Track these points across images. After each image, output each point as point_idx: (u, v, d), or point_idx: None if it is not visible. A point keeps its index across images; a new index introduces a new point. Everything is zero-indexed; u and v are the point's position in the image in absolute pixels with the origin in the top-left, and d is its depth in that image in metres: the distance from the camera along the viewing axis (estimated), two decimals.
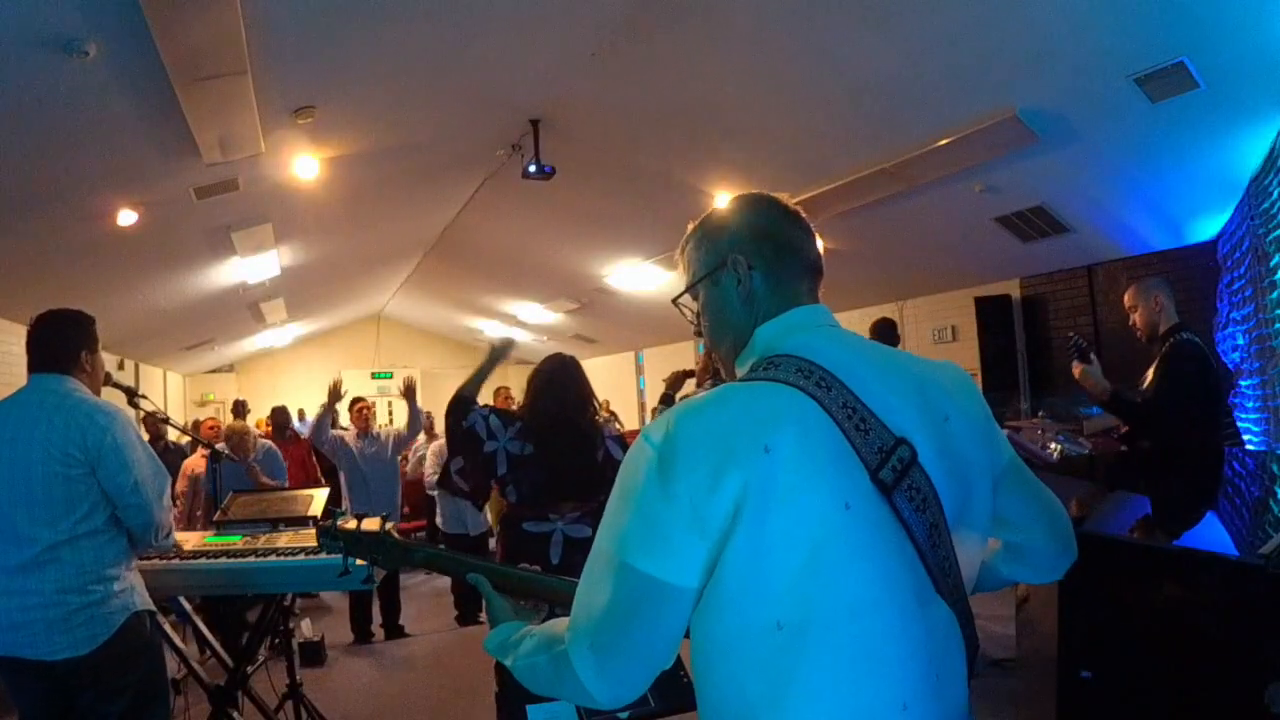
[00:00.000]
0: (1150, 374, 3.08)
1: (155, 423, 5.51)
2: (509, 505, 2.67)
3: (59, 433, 2.05)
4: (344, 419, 6.61)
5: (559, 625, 0.95)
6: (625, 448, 2.85)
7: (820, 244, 1.08)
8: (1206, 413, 2.95)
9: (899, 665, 0.85)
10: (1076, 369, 3.08)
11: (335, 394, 5.25)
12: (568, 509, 2.60)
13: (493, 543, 6.05)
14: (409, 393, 5.41)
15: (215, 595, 3.81)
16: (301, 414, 11.63)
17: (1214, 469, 2.75)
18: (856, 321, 7.57)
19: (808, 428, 0.86)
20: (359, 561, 1.43)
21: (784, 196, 1.07)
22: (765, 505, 0.82)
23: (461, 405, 2.68)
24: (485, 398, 2.87)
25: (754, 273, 1.01)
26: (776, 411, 0.87)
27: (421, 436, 8.62)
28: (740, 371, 1.01)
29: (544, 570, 2.56)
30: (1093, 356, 3.07)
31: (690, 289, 1.08)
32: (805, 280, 1.03)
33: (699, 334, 1.09)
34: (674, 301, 1.12)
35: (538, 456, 2.60)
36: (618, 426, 3.12)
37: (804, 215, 1.07)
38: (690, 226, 1.11)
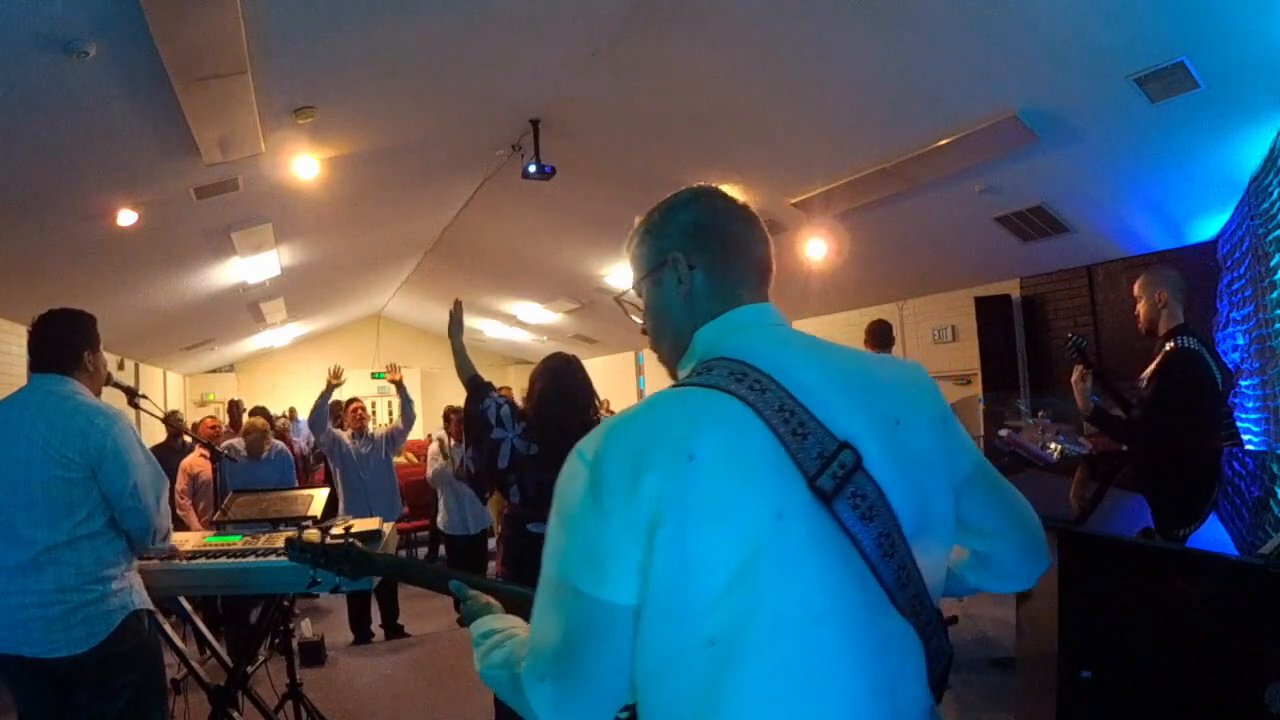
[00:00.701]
0: (1148, 374, 3.06)
1: (176, 421, 5.52)
2: (512, 506, 2.67)
3: (59, 435, 2.04)
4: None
5: (525, 641, 0.91)
6: None
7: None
8: (1199, 420, 2.92)
9: (842, 686, 0.80)
10: (1075, 373, 3.07)
11: (334, 381, 5.22)
12: None
13: (493, 543, 6.05)
14: (399, 384, 5.40)
15: (215, 595, 3.82)
16: (294, 413, 11.62)
17: (1211, 471, 2.75)
18: (856, 321, 7.56)
19: (736, 434, 0.82)
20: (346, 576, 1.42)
21: (734, 190, 1.03)
22: (686, 515, 0.78)
23: (479, 389, 2.73)
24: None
25: (695, 272, 0.97)
26: (702, 417, 0.83)
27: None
28: (682, 375, 0.96)
29: None
30: (1092, 363, 3.07)
31: (634, 286, 1.05)
32: (750, 279, 0.98)
33: (645, 333, 1.06)
34: (617, 300, 1.09)
35: (543, 457, 2.60)
36: None
37: (752, 209, 1.02)
38: (636, 220, 1.06)
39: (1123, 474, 3.09)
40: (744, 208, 1.02)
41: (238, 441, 5.28)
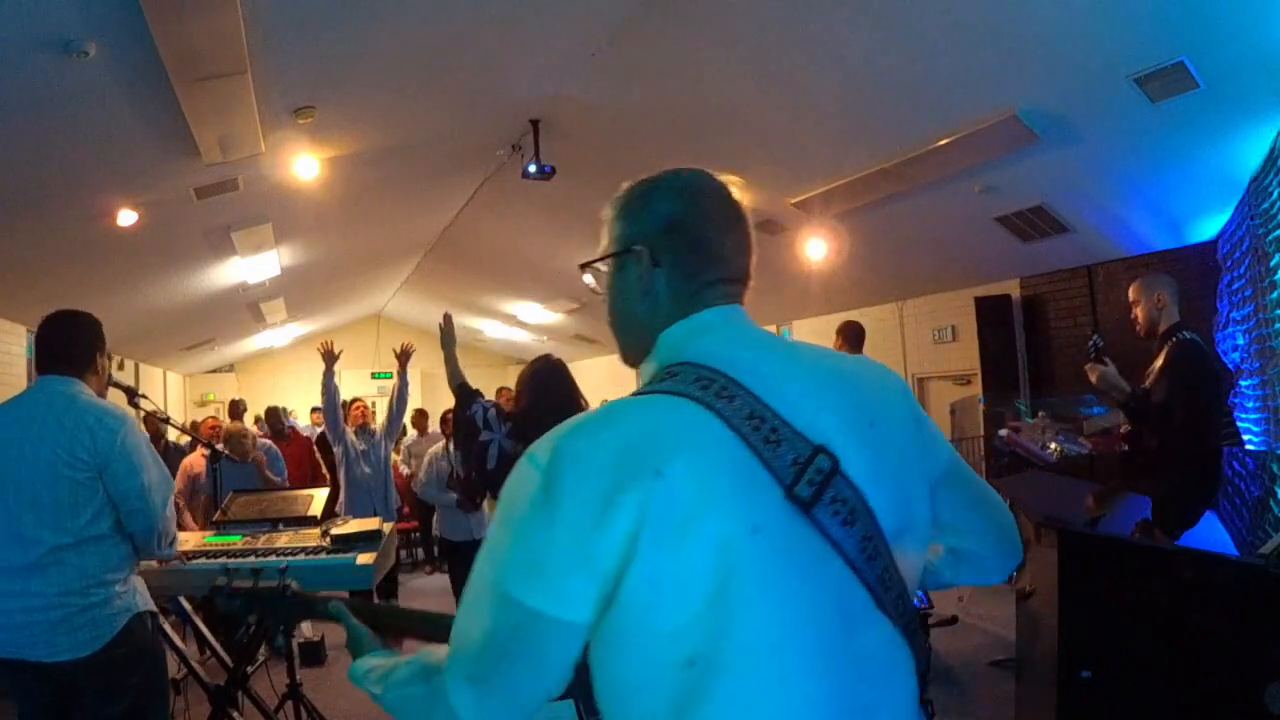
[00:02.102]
0: (1154, 373, 3.07)
1: (156, 422, 5.47)
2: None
3: (68, 435, 2.05)
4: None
5: (437, 653, 0.86)
6: None
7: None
8: (1212, 412, 2.94)
9: (825, 699, 0.77)
10: (1093, 372, 3.05)
11: (330, 357, 5.13)
12: None
13: None
14: (404, 356, 5.30)
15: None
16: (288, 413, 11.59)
17: (1214, 469, 2.75)
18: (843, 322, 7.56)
19: (704, 445, 0.77)
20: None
21: (728, 178, 0.96)
22: (660, 536, 0.74)
23: (467, 395, 2.76)
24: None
25: (658, 271, 0.91)
26: (668, 429, 0.78)
27: (413, 432, 8.59)
28: (642, 375, 0.93)
29: None
30: (1106, 358, 3.06)
31: (598, 260, 0.99)
32: (721, 283, 0.92)
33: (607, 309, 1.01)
34: (581, 266, 1.02)
35: None
36: None
37: (739, 203, 0.95)
38: (622, 186, 0.98)
39: (1126, 473, 3.09)
40: (730, 200, 0.94)
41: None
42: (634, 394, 0.86)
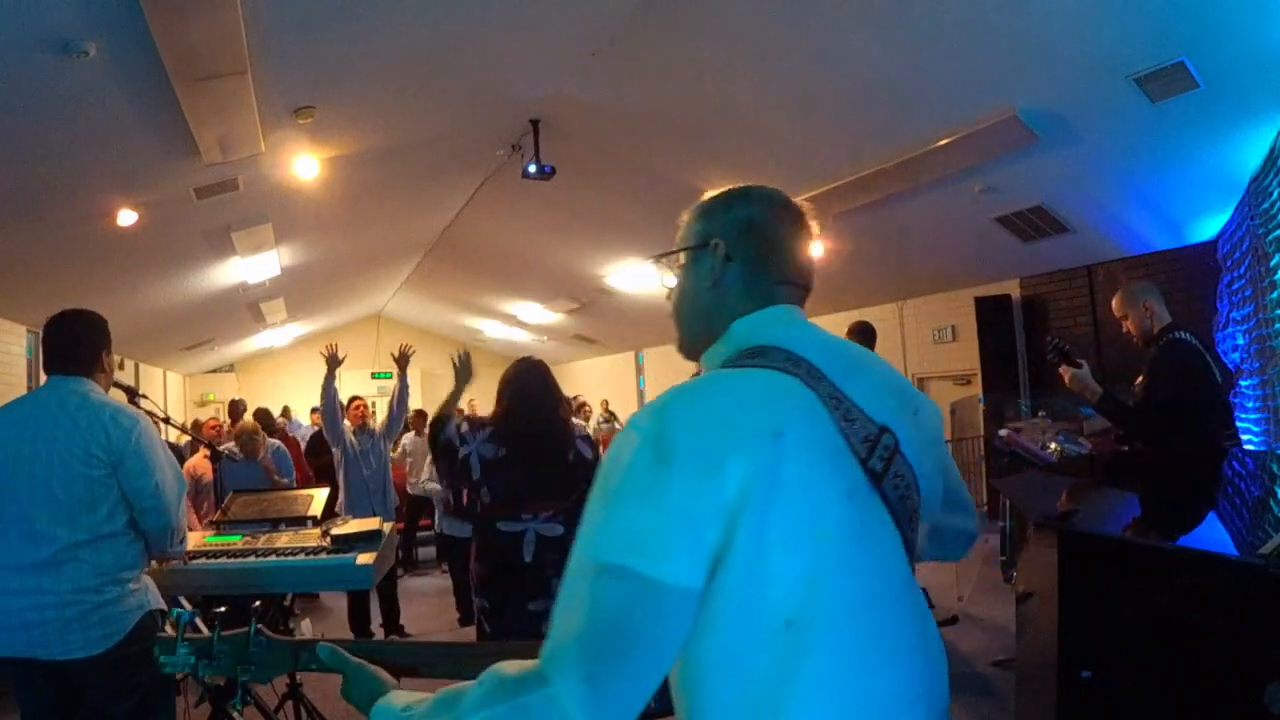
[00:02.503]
0: (1142, 376, 3.07)
1: (155, 421, 5.44)
2: (483, 506, 2.69)
3: (83, 432, 2.06)
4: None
5: (505, 669, 0.78)
6: (593, 446, 2.87)
7: (818, 248, 1.06)
8: (1199, 412, 2.91)
9: (909, 656, 0.84)
10: (1065, 374, 3.05)
11: (334, 361, 5.09)
12: (540, 509, 2.64)
13: None
14: (402, 360, 5.28)
15: (215, 595, 3.81)
16: (288, 412, 11.60)
17: (1213, 469, 2.75)
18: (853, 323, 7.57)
19: (810, 415, 0.84)
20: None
21: (805, 204, 1.05)
22: (772, 495, 0.76)
23: (438, 423, 2.76)
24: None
25: (731, 265, 0.98)
26: (781, 396, 0.84)
27: (410, 432, 8.57)
28: (706, 363, 0.99)
29: (518, 566, 2.57)
30: (1080, 360, 3.04)
31: (670, 254, 1.05)
32: (785, 289, 0.99)
33: (668, 299, 1.06)
34: (654, 259, 1.08)
35: (511, 458, 2.65)
36: (617, 426, 3.18)
37: (811, 223, 1.03)
38: (703, 196, 1.07)
39: (1121, 473, 3.09)
40: (800, 216, 1.02)
41: (234, 445, 5.28)
42: (729, 368, 0.91)
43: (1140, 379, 3.06)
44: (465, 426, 2.75)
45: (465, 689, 0.80)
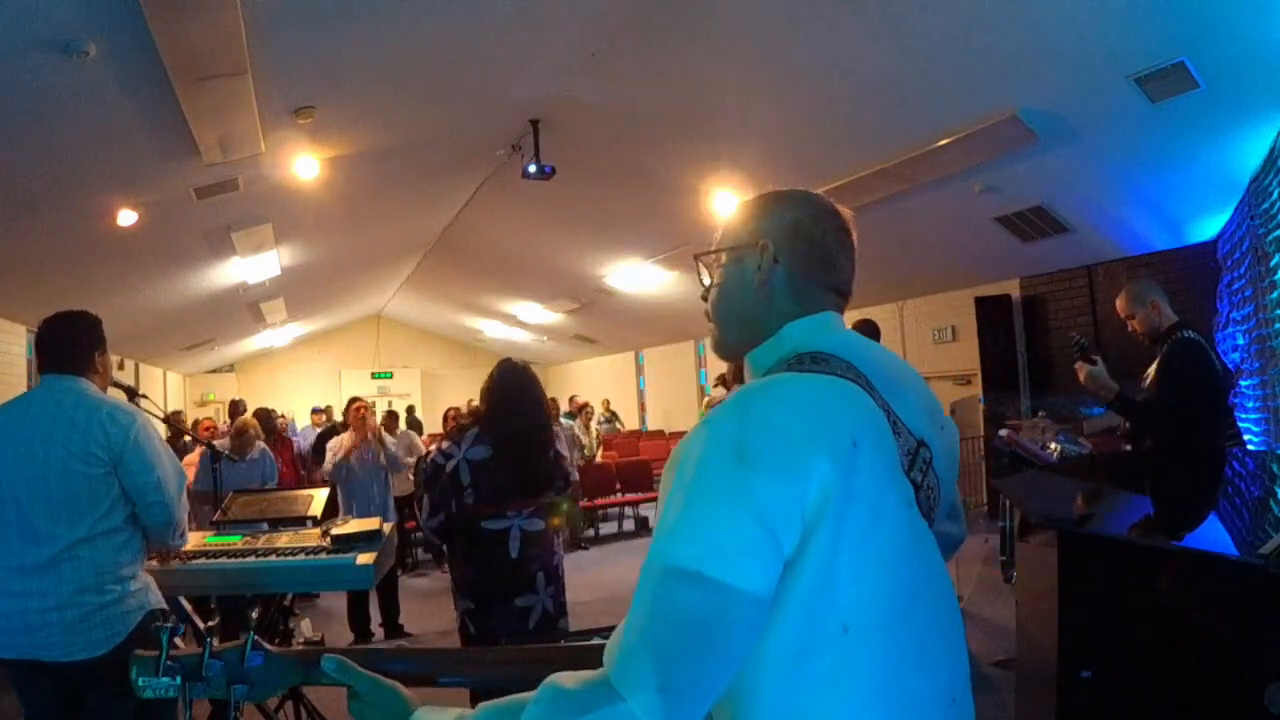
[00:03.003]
0: (1151, 373, 3.06)
1: (179, 422, 5.44)
2: (466, 508, 2.70)
3: (81, 431, 2.06)
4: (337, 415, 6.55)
5: (563, 681, 0.75)
6: (568, 444, 2.90)
7: (854, 277, 1.04)
8: (1208, 411, 2.92)
9: (946, 658, 0.85)
10: (1080, 371, 3.04)
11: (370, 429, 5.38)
12: (524, 505, 2.66)
13: None
14: (369, 429, 5.46)
15: (215, 595, 3.80)
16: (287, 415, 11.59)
17: (1217, 469, 2.75)
18: (855, 320, 7.57)
19: (877, 425, 0.84)
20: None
21: (847, 212, 1.05)
22: (846, 503, 0.76)
23: (431, 484, 2.76)
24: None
25: (778, 268, 0.97)
26: (855, 405, 0.84)
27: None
28: (752, 363, 0.98)
29: (505, 564, 2.58)
30: (1096, 357, 3.04)
31: (715, 251, 1.03)
32: (830, 295, 1.00)
33: (704, 299, 1.05)
34: (696, 257, 1.06)
35: (497, 458, 2.67)
36: (619, 426, 3.19)
37: (852, 230, 1.03)
38: (749, 197, 1.07)
39: (1126, 473, 3.09)
40: (847, 231, 1.03)
41: (225, 443, 5.29)
42: (797, 371, 0.88)
43: (1149, 377, 3.05)
44: (445, 445, 2.77)
45: (519, 703, 0.77)
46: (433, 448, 2.89)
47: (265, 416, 6.83)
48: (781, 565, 0.75)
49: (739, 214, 1.04)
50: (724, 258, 1.02)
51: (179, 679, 0.91)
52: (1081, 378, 3.03)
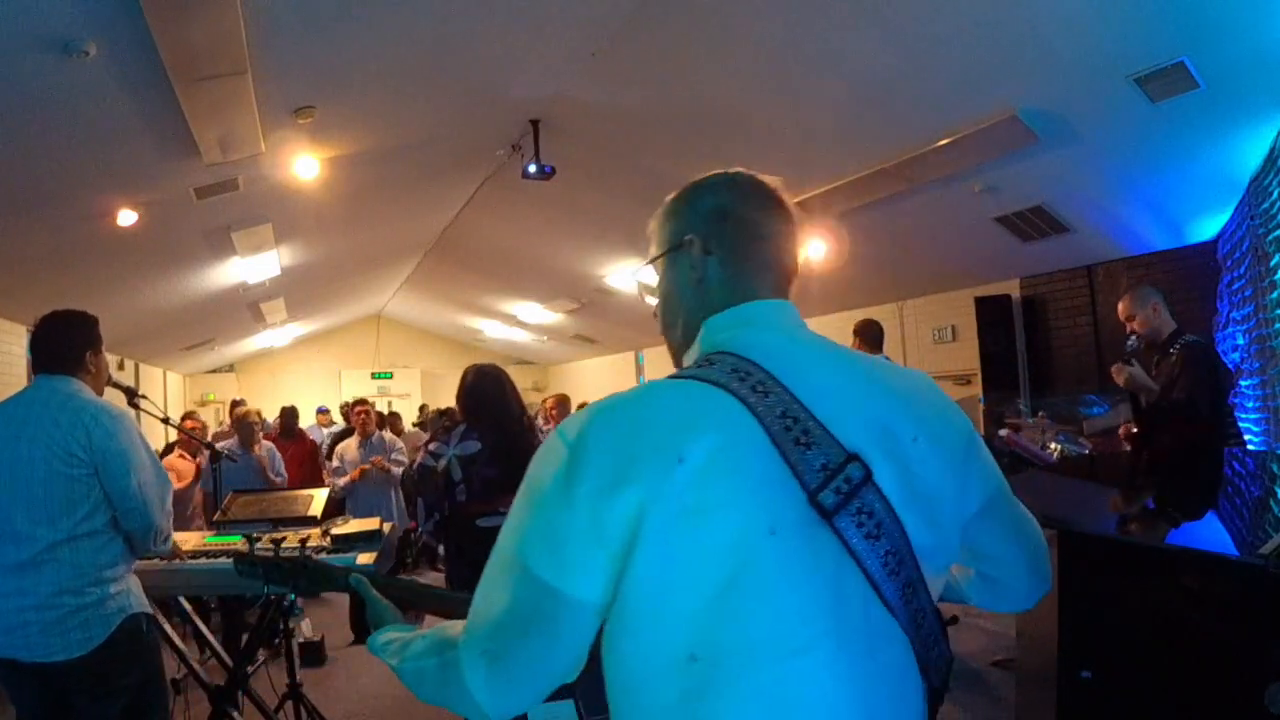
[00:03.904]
0: (1168, 376, 3.09)
1: (190, 428, 5.30)
2: (460, 505, 2.70)
3: (64, 432, 2.05)
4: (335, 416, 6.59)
5: (453, 628, 0.86)
6: None
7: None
8: (1222, 410, 2.99)
9: (847, 711, 0.75)
10: (1120, 373, 3.08)
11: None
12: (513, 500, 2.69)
13: None
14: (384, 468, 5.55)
15: (215, 595, 3.82)
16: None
17: (1218, 469, 2.76)
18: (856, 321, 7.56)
19: (732, 437, 0.76)
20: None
21: (771, 179, 0.97)
22: (671, 522, 0.73)
23: (424, 487, 2.79)
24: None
25: (710, 258, 0.91)
26: (697, 415, 0.77)
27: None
28: (685, 365, 0.91)
29: None
30: (1133, 361, 3.10)
31: (649, 263, 0.99)
32: (770, 274, 0.92)
33: (655, 316, 1.00)
34: (637, 273, 1.02)
35: (487, 452, 2.68)
36: None
37: (784, 199, 0.96)
38: (667, 198, 1.00)
39: (1130, 473, 3.09)
40: (775, 196, 0.95)
41: (232, 443, 5.30)
42: (670, 376, 0.85)
43: (1166, 379, 3.09)
44: (432, 447, 2.79)
45: (419, 636, 0.93)
46: (418, 456, 2.91)
47: (290, 415, 6.86)
48: (607, 579, 0.76)
49: (661, 216, 0.99)
50: (659, 266, 0.98)
51: (260, 570, 1.30)
52: (1121, 380, 3.08)
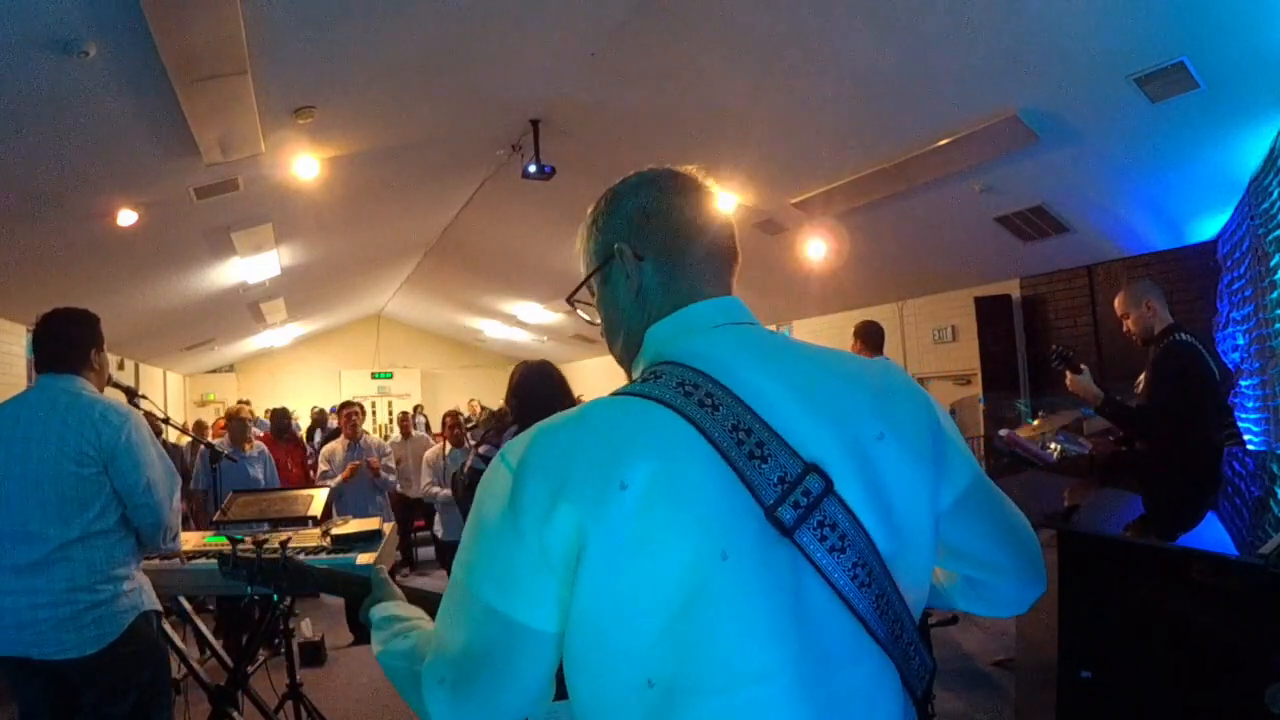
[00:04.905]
0: (1143, 377, 3.09)
1: (154, 421, 5.41)
2: None
3: (73, 431, 2.06)
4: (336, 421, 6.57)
5: (429, 638, 0.86)
6: None
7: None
8: (1201, 412, 2.94)
9: None
10: (1069, 380, 3.09)
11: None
12: None
13: None
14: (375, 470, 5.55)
15: (215, 595, 3.81)
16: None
17: (1213, 469, 2.75)
18: (856, 321, 7.56)
19: (676, 459, 0.72)
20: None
21: (689, 169, 0.93)
22: (616, 550, 0.70)
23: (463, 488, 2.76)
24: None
25: (644, 264, 0.87)
26: (639, 438, 0.73)
27: (397, 433, 8.56)
28: (633, 378, 0.87)
29: None
30: (1081, 365, 3.08)
31: (583, 283, 0.95)
32: (708, 267, 0.87)
33: (603, 335, 0.95)
34: (569, 301, 0.98)
35: None
36: None
37: (706, 184, 0.91)
38: (588, 211, 0.96)
39: (1120, 473, 3.09)
40: (697, 186, 0.91)
41: (223, 441, 5.31)
42: (612, 393, 0.80)
43: (1141, 379, 3.08)
44: (483, 448, 2.76)
45: (410, 631, 0.94)
46: (468, 459, 2.87)
47: (282, 416, 6.85)
48: (558, 607, 0.74)
49: (585, 232, 0.95)
50: (594, 285, 0.94)
51: (243, 572, 1.30)
52: (1069, 385, 3.07)
